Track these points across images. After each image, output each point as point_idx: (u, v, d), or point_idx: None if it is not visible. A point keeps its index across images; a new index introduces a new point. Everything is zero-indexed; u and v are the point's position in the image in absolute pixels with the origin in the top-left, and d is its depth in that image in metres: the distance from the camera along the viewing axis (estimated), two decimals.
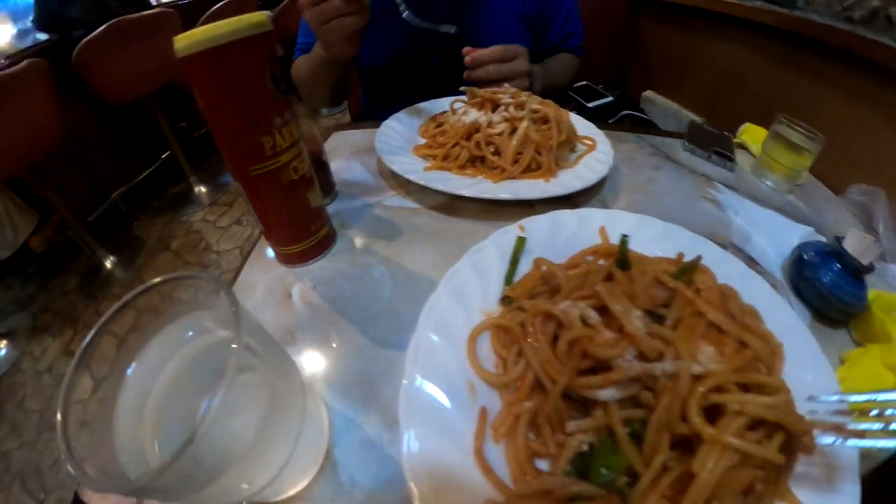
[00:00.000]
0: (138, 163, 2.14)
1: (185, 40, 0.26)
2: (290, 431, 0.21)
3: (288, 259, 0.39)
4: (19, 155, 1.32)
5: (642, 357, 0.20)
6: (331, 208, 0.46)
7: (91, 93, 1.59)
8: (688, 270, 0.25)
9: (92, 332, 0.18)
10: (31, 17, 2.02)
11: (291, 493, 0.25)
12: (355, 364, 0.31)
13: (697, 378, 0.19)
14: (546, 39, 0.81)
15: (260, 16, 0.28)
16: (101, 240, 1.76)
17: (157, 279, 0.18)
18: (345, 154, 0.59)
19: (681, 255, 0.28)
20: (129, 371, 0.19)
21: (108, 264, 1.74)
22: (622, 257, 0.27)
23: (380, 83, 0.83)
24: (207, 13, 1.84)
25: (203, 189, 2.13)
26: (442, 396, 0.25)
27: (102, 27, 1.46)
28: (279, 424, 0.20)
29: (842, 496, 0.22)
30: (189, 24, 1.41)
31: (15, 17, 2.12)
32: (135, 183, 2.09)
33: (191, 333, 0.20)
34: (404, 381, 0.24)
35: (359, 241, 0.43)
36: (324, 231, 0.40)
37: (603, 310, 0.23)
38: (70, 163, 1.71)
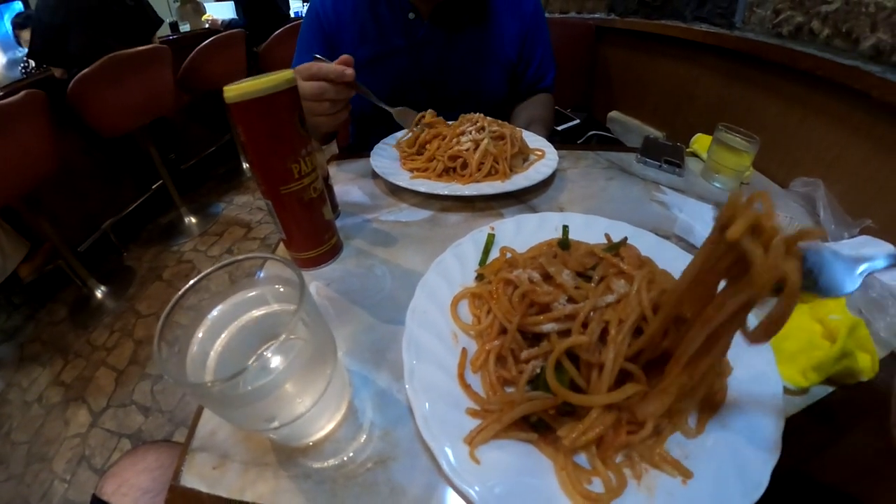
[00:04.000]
0: (129, 193, 2.18)
1: (235, 91, 0.35)
2: (319, 385, 0.28)
3: (305, 263, 0.47)
4: (12, 184, 1.35)
5: (572, 301, 0.29)
6: (336, 223, 0.55)
7: (84, 124, 1.63)
8: (615, 247, 0.35)
9: (184, 288, 0.25)
10: (20, 49, 2.08)
11: (321, 434, 0.33)
12: (366, 337, 0.40)
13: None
14: (524, 80, 0.91)
15: (289, 73, 0.38)
16: (92, 269, 1.77)
17: (241, 257, 0.26)
18: (343, 181, 0.68)
19: (608, 236, 0.38)
20: (210, 314, 0.27)
21: (98, 294, 1.75)
22: (564, 240, 0.37)
23: (368, 121, 0.91)
24: (197, 48, 1.94)
25: (193, 219, 2.17)
26: (433, 341, 0.34)
27: (98, 61, 1.52)
28: (312, 378, 0.27)
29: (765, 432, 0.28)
30: (180, 59, 1.51)
31: (6, 48, 2.18)
32: (125, 213, 2.13)
33: (255, 302, 0.28)
34: (405, 330, 0.33)
35: (362, 248, 0.52)
36: (333, 240, 0.49)
37: (547, 276, 0.32)
38: (62, 192, 1.75)
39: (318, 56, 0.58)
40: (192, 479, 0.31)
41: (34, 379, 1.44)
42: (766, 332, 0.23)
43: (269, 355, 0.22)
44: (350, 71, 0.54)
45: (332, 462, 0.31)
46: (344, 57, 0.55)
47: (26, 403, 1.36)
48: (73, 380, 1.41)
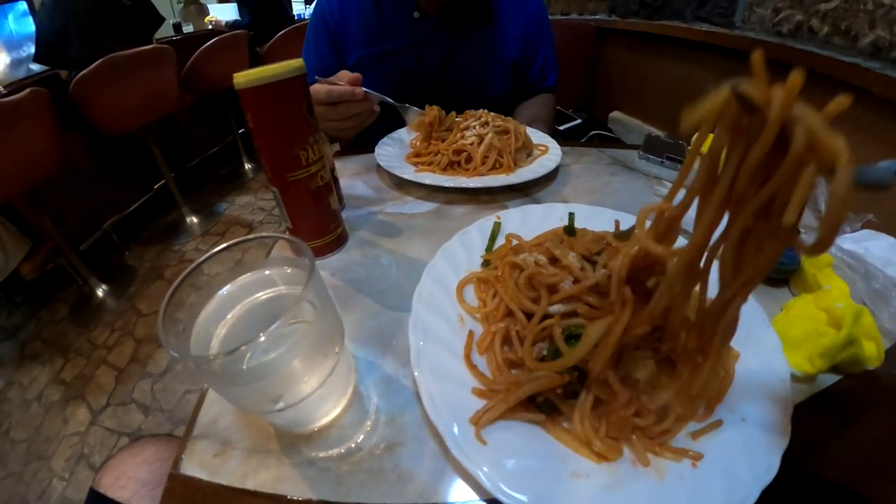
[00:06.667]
0: (131, 192, 2.18)
1: (243, 77, 0.35)
2: (327, 364, 0.28)
3: None
4: (16, 181, 1.35)
5: (578, 283, 0.29)
6: (341, 215, 0.55)
7: (88, 123, 1.64)
8: (623, 235, 0.35)
9: (190, 267, 0.25)
10: (24, 48, 2.09)
11: (325, 421, 0.32)
12: (372, 323, 0.39)
13: None
14: (526, 80, 0.91)
15: (298, 62, 0.38)
16: (93, 268, 1.77)
17: (252, 237, 0.26)
18: (348, 175, 0.68)
19: (617, 223, 0.38)
20: (217, 294, 0.27)
21: (99, 293, 1.75)
22: (570, 227, 0.37)
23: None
24: (200, 49, 1.95)
25: (195, 219, 2.17)
26: (439, 323, 0.34)
27: (96, 62, 1.53)
28: (320, 357, 0.27)
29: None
30: (183, 60, 1.52)
31: (10, 47, 2.19)
32: (127, 212, 2.13)
33: (263, 283, 0.28)
34: (412, 313, 0.33)
35: (367, 239, 0.52)
36: (339, 230, 0.49)
37: (553, 260, 0.32)
38: (64, 191, 1.75)
39: (319, 77, 0.60)
40: (193, 467, 0.30)
41: (34, 377, 1.43)
42: (829, 232, 0.18)
43: (275, 332, 0.21)
44: (359, 90, 0.57)
45: (337, 449, 0.31)
46: (353, 76, 0.58)
47: (26, 401, 1.36)
48: (73, 378, 1.41)
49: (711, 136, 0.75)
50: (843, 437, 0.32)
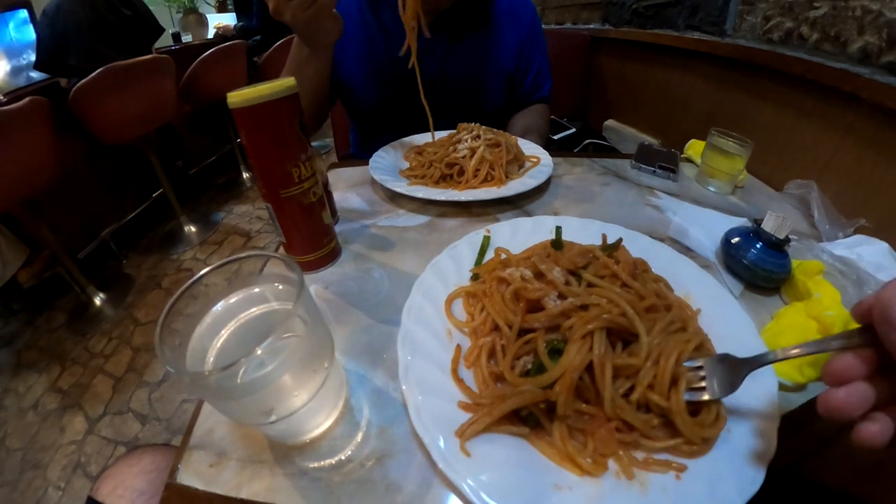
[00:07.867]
0: (129, 201, 2.19)
1: (238, 97, 0.36)
2: (317, 378, 0.29)
3: (304, 266, 0.48)
4: (14, 190, 1.35)
5: (563, 298, 0.30)
6: (335, 229, 0.56)
7: (86, 131, 1.64)
8: (610, 248, 0.36)
9: (189, 281, 0.26)
10: (24, 56, 2.11)
11: (317, 432, 0.33)
12: (363, 337, 0.40)
13: None
14: (521, 90, 0.92)
15: (291, 80, 0.39)
16: (91, 277, 1.77)
17: (243, 254, 0.27)
18: (342, 187, 0.69)
19: (605, 236, 0.39)
20: (211, 310, 0.28)
21: (97, 301, 1.74)
22: (557, 241, 0.38)
23: (370, 123, 0.93)
24: (198, 59, 1.97)
25: (193, 228, 2.17)
26: (428, 337, 0.35)
27: (95, 72, 1.53)
28: (309, 372, 0.28)
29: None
30: (183, 69, 1.53)
31: (10, 55, 2.20)
32: (125, 221, 2.13)
33: (255, 299, 0.29)
34: (401, 327, 0.34)
35: (360, 252, 0.53)
36: (332, 244, 0.50)
37: (539, 274, 0.33)
38: (63, 199, 1.75)
39: None
40: (189, 477, 0.31)
41: (31, 385, 1.43)
42: None
43: (267, 348, 0.22)
44: None
45: (328, 459, 0.32)
46: None
47: (22, 410, 1.35)
48: (69, 386, 1.41)
49: (701, 142, 0.74)
50: (839, 442, 0.32)
